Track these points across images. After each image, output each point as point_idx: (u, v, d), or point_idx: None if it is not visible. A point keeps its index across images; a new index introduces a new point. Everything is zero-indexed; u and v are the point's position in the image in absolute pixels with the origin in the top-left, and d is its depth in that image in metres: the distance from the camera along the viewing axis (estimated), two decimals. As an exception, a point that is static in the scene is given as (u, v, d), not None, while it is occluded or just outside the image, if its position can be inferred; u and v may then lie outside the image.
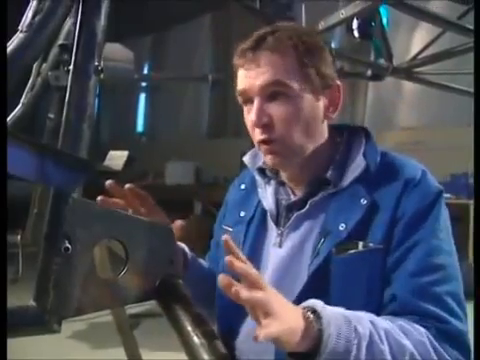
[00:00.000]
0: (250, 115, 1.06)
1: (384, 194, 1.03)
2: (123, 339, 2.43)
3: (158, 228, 0.85)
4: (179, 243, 1.16)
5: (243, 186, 1.25)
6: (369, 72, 4.32)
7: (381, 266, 1.00)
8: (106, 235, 0.78)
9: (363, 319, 0.87)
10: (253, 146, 1.16)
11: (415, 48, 5.78)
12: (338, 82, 1.10)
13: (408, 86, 6.51)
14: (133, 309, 3.92)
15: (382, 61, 4.17)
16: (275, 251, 1.11)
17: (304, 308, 0.85)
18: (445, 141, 5.93)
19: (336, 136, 1.15)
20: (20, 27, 0.74)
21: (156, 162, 8.95)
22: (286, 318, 0.79)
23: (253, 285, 0.78)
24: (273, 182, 1.17)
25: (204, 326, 0.82)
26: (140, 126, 13.31)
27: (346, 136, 1.15)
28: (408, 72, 4.35)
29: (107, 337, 3.08)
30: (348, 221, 1.02)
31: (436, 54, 4.17)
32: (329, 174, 1.08)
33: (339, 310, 0.87)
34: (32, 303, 0.72)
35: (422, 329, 0.91)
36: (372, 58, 4.21)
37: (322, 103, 1.08)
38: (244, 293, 0.75)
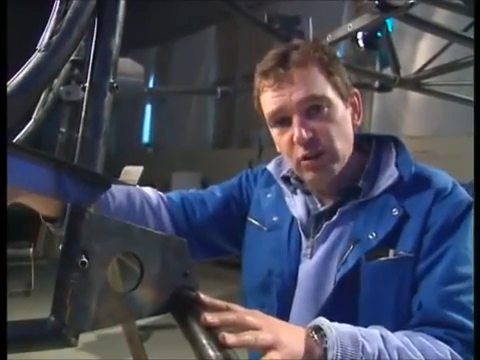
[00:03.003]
0: (285, 135, 1.05)
1: (415, 204, 1.03)
2: (133, 350, 2.43)
3: (172, 241, 0.86)
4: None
5: (269, 195, 1.24)
6: (376, 83, 4.33)
7: (411, 274, 1.00)
8: (122, 249, 0.79)
9: (374, 337, 0.86)
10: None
11: (420, 56, 5.80)
12: (355, 89, 1.11)
13: (413, 95, 6.52)
14: (143, 321, 3.92)
15: (388, 71, 4.18)
16: (305, 262, 1.11)
17: (310, 328, 0.85)
18: (451, 150, 5.92)
19: (364, 145, 1.15)
20: (38, 46, 0.76)
21: (162, 173, 8.97)
22: (285, 343, 0.78)
23: (243, 326, 0.78)
24: (299, 191, 1.17)
25: (219, 338, 0.82)
26: (146, 137, 13.36)
27: (375, 145, 1.15)
28: (415, 83, 4.36)
29: (117, 348, 3.09)
30: (379, 230, 1.02)
31: (443, 66, 4.18)
32: (360, 183, 1.08)
33: (348, 328, 0.86)
34: (50, 317, 0.73)
35: (444, 345, 0.90)
36: (377, 67, 4.23)
37: (349, 110, 1.09)
38: (231, 339, 0.74)
